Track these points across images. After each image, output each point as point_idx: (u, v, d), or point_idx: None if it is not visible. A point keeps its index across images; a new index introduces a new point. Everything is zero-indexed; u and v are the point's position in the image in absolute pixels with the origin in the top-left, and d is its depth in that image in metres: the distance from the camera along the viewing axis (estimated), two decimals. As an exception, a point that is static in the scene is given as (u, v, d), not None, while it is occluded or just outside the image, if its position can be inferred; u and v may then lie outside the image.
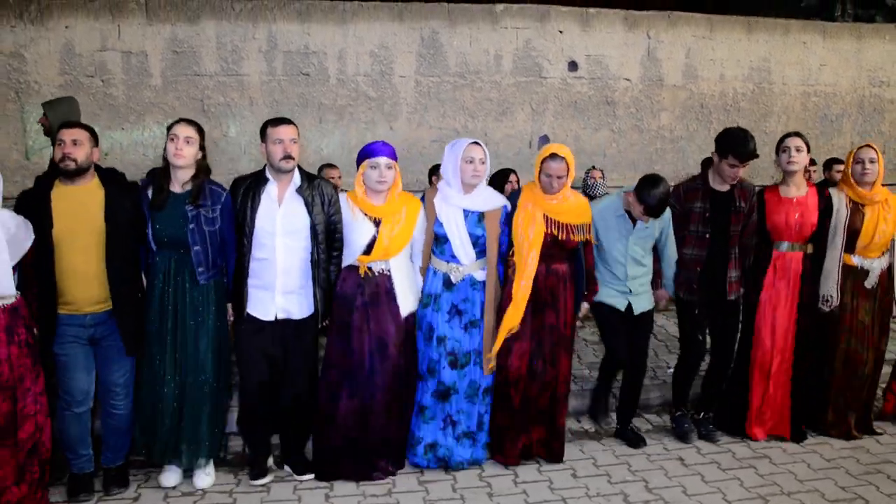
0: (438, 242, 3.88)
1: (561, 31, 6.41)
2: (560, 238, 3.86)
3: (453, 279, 3.87)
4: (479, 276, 3.91)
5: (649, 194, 3.86)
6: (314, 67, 5.98)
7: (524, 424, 4.01)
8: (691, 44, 6.71)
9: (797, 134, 4.21)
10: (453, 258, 3.87)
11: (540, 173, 3.86)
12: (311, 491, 3.73)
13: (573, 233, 3.88)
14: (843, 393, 4.39)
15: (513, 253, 3.89)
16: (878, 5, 8.26)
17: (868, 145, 4.21)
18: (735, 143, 4.01)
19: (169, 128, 3.56)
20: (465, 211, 3.85)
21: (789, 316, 4.25)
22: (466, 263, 3.87)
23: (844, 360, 4.36)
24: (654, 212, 3.90)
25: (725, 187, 4.16)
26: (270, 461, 3.91)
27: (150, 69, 5.75)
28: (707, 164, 6.26)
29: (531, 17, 6.34)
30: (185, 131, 3.52)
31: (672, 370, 4.73)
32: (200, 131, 3.59)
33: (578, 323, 4.09)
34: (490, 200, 3.91)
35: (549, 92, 6.45)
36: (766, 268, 4.27)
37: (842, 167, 6.18)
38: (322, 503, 3.64)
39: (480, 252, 3.88)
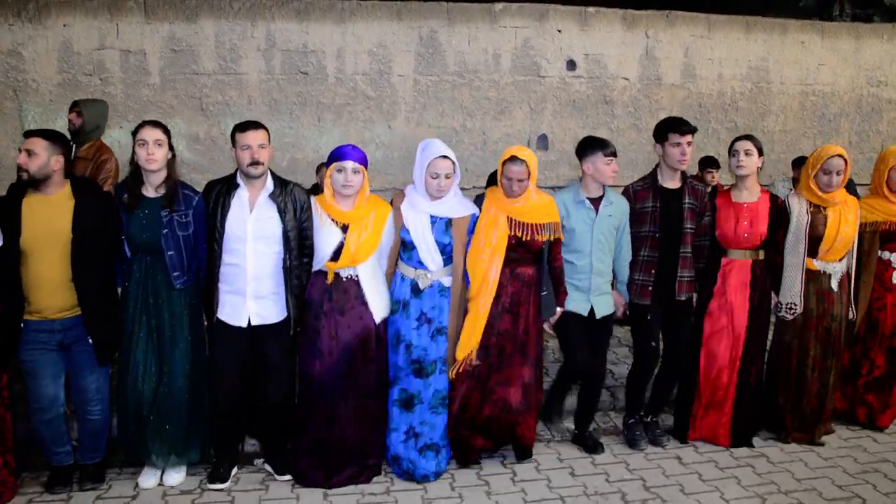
0: (406, 248, 3.83)
1: (559, 31, 6.41)
2: (524, 239, 3.78)
3: (421, 285, 3.81)
4: (447, 282, 3.84)
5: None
6: (313, 66, 5.98)
7: (483, 430, 3.93)
8: (690, 43, 6.72)
9: (748, 137, 4.17)
10: (420, 264, 3.80)
11: (501, 176, 3.78)
12: (309, 491, 3.73)
13: (538, 233, 3.80)
14: (809, 400, 4.32)
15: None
16: (876, 5, 8.28)
17: (839, 155, 4.11)
18: (672, 122, 4.04)
19: (134, 133, 3.52)
20: (432, 217, 3.80)
21: (740, 324, 4.19)
22: (434, 270, 3.80)
23: (812, 366, 4.30)
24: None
25: (676, 184, 4.10)
26: (258, 462, 3.92)
27: (148, 68, 5.74)
28: (705, 163, 6.29)
29: (530, 17, 6.34)
30: (153, 135, 3.49)
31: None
32: (167, 132, 3.57)
33: (547, 327, 4.00)
34: (458, 208, 3.83)
35: (548, 91, 6.45)
36: (714, 274, 4.21)
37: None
38: (320, 501, 3.64)
39: (448, 259, 3.82)
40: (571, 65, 6.47)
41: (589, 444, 4.26)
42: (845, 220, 4.17)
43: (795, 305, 4.22)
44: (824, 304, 4.26)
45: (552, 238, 3.86)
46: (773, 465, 4.11)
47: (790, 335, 4.29)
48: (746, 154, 4.10)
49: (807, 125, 7.12)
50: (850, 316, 4.37)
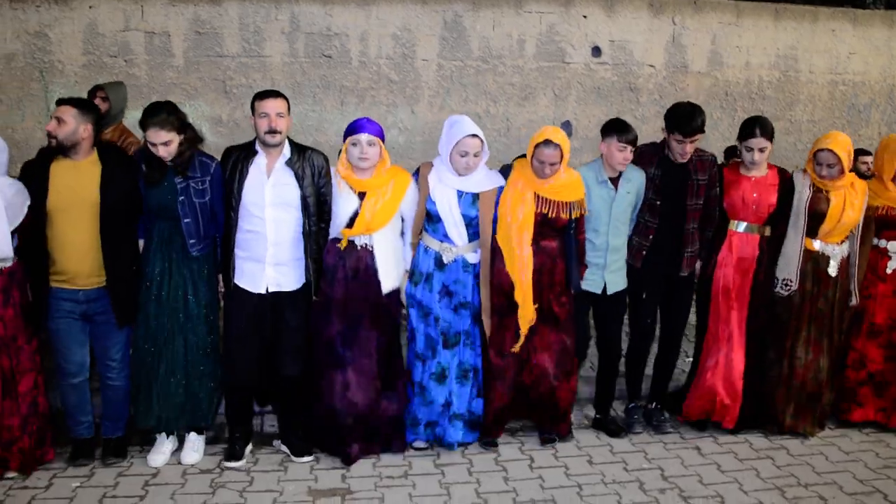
0: (431, 220, 3.85)
1: (585, 16, 6.34)
2: (550, 216, 3.80)
3: (445, 259, 3.83)
4: (472, 258, 3.87)
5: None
6: (336, 49, 5.97)
7: (522, 403, 4.00)
8: (717, 30, 6.62)
9: (762, 131, 4.02)
10: (446, 238, 3.83)
11: (532, 157, 3.77)
12: (327, 471, 3.76)
13: (563, 211, 3.81)
14: (802, 383, 4.26)
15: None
16: (911, -8, 8.09)
17: (830, 150, 4.04)
18: (680, 120, 3.94)
19: (144, 128, 3.52)
20: (458, 191, 3.81)
21: (743, 298, 4.15)
22: (459, 244, 3.83)
23: (805, 349, 4.24)
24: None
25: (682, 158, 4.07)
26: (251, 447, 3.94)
27: (172, 50, 5.76)
28: (730, 152, 6.21)
29: (555, 2, 6.27)
30: (159, 137, 3.49)
31: (690, 359, 4.67)
32: (174, 123, 3.53)
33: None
34: (485, 181, 3.84)
35: (573, 77, 6.39)
36: (720, 245, 4.17)
37: (868, 158, 6.09)
38: (339, 483, 3.66)
39: (474, 234, 3.84)
40: (597, 51, 6.40)
41: (611, 428, 4.27)
42: (851, 203, 4.10)
43: (791, 282, 4.16)
44: (819, 286, 4.20)
45: (577, 215, 3.87)
46: (793, 457, 4.07)
47: (786, 314, 4.23)
48: (760, 151, 4.05)
49: (836, 115, 6.99)
50: (852, 301, 4.30)
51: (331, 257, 3.76)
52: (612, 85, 6.48)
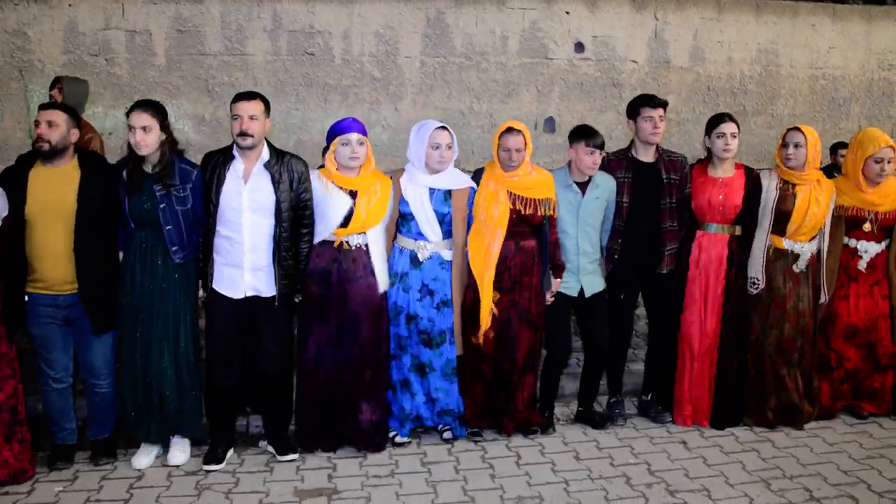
0: (405, 220, 3.89)
1: (567, 12, 6.35)
2: (525, 213, 3.87)
3: (420, 257, 3.87)
4: (447, 255, 3.92)
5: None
6: (319, 47, 5.94)
7: (497, 396, 4.06)
8: (699, 25, 6.65)
9: (731, 118, 4.16)
10: (420, 235, 3.87)
11: (498, 149, 3.88)
12: (314, 471, 3.75)
13: (538, 207, 3.89)
14: (772, 380, 4.28)
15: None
16: (889, -13, 8.14)
17: (797, 128, 4.15)
18: (643, 97, 4.13)
19: (127, 115, 3.51)
20: (430, 189, 3.85)
21: (715, 298, 4.18)
22: (434, 241, 3.87)
23: (777, 346, 4.26)
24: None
25: (650, 158, 4.13)
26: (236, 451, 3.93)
27: (154, 48, 5.71)
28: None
29: (538, -2, 6.29)
30: (140, 121, 3.47)
31: None
32: (158, 113, 3.53)
33: (549, 297, 4.05)
34: (456, 180, 3.92)
35: (556, 73, 6.40)
36: (689, 246, 4.21)
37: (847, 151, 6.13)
38: (325, 483, 3.65)
39: (447, 231, 3.89)
40: (579, 47, 6.41)
41: (596, 419, 4.31)
42: (816, 200, 4.14)
43: (758, 280, 4.21)
44: (790, 283, 4.23)
45: (548, 213, 3.93)
46: (779, 449, 4.10)
47: (757, 313, 4.27)
48: (733, 136, 4.10)
49: (816, 109, 7.04)
50: (822, 298, 4.31)
51: (323, 261, 3.75)
52: (595, 81, 6.49)
